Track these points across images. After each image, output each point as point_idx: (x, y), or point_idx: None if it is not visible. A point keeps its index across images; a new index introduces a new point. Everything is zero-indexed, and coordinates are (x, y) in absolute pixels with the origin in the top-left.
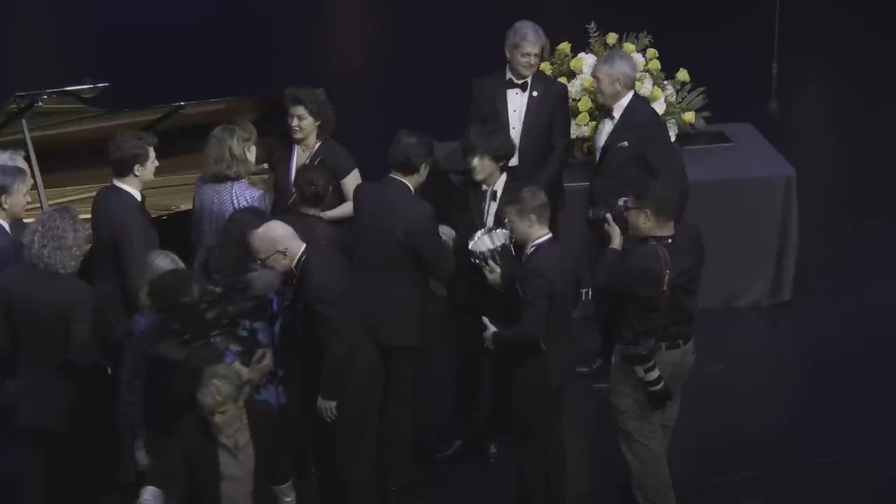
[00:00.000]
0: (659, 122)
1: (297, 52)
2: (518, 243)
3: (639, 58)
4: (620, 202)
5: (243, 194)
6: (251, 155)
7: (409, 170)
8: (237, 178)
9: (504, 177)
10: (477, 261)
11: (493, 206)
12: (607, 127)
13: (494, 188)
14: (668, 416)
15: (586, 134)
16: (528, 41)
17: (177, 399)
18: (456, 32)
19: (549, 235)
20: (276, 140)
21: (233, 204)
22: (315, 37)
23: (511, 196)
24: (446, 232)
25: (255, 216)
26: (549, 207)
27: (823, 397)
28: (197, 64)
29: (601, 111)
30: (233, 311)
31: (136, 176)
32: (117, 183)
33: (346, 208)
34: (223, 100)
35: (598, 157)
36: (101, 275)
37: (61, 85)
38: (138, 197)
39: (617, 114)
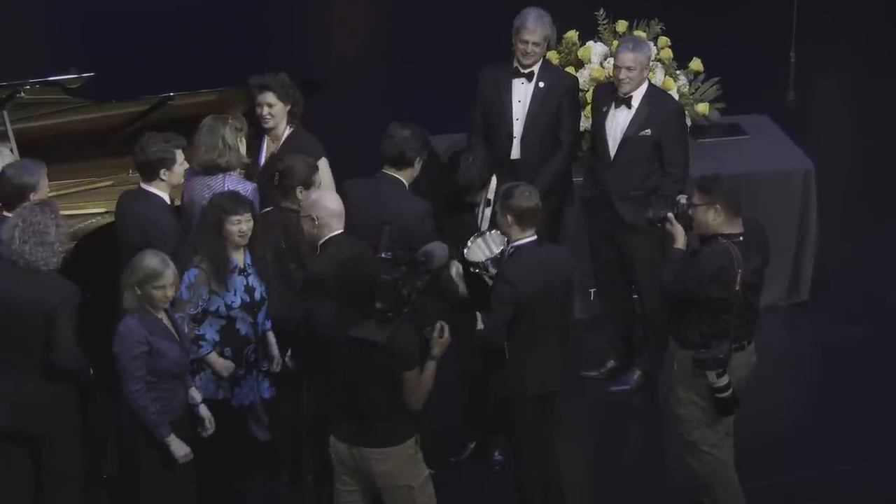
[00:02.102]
0: (682, 111)
1: (292, 40)
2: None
3: (650, 46)
4: (683, 200)
5: (236, 187)
6: (243, 147)
7: (404, 164)
8: (229, 169)
9: (494, 181)
10: (476, 270)
11: (488, 211)
12: (622, 116)
13: (489, 196)
14: (728, 421)
15: None
16: (526, 28)
17: (377, 381)
18: (459, 21)
19: (532, 239)
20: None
21: None
22: (311, 25)
23: (506, 190)
24: (456, 266)
25: (233, 201)
26: (539, 212)
27: (843, 401)
28: (187, 53)
29: (613, 100)
30: (420, 286)
31: (163, 180)
32: (145, 186)
33: None
34: (214, 91)
35: (611, 149)
36: None
37: (44, 75)
38: (168, 200)
39: (636, 102)
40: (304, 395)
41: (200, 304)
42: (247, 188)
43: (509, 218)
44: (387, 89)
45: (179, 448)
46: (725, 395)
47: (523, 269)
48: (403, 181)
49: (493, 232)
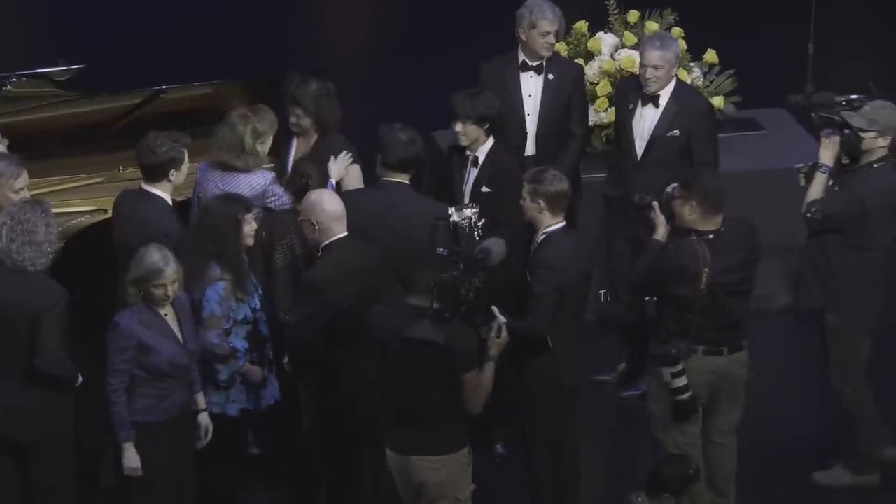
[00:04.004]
0: (712, 108)
1: (290, 33)
2: (527, 224)
3: (677, 43)
4: (669, 188)
5: (254, 180)
6: (264, 147)
7: (409, 168)
8: (245, 171)
9: (489, 142)
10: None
11: (474, 173)
12: (649, 114)
13: (477, 154)
14: (718, 425)
15: (605, 121)
16: (546, 20)
17: (435, 384)
18: (459, 12)
19: (562, 224)
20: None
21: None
22: (309, 16)
23: (533, 174)
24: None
25: (239, 203)
26: (568, 198)
27: None
28: (181, 45)
29: (639, 97)
30: (478, 284)
31: (171, 181)
32: (147, 187)
33: None
34: (209, 84)
35: (638, 148)
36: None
37: (32, 67)
38: (170, 201)
39: (664, 100)
40: (301, 396)
41: (232, 315)
42: (266, 177)
43: (541, 203)
44: (386, 83)
45: (131, 459)
46: (683, 397)
47: (562, 255)
48: (408, 184)
49: (466, 209)
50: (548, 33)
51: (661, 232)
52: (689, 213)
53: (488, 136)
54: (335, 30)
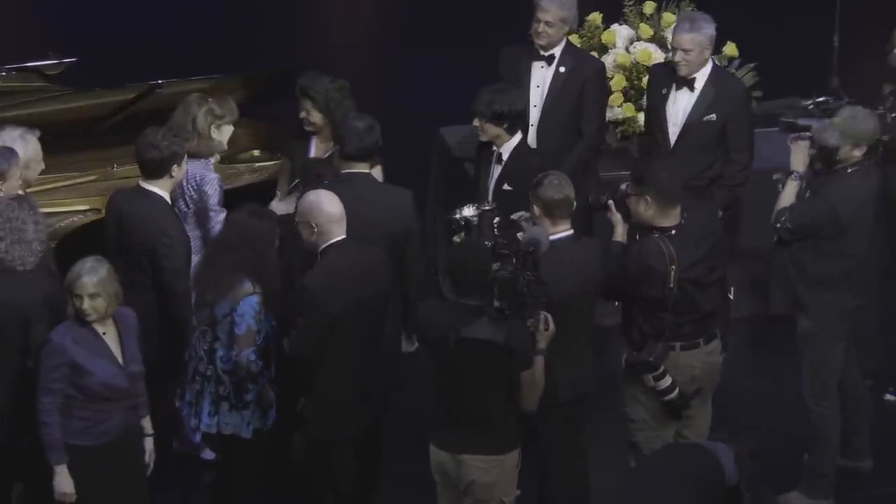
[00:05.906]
0: (749, 93)
1: (290, 27)
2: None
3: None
4: (623, 186)
5: (197, 173)
6: (221, 134)
7: (368, 157)
8: (198, 156)
9: (516, 139)
10: (453, 227)
11: (498, 169)
12: (684, 99)
13: (501, 151)
14: (693, 430)
15: (619, 117)
16: (539, 6)
17: (492, 383)
18: (461, 9)
19: (567, 234)
20: (289, 130)
21: (184, 181)
22: (310, 10)
23: (537, 178)
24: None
25: (270, 219)
26: (570, 205)
27: (887, 419)
28: (177, 38)
29: (673, 81)
30: (531, 277)
31: (172, 177)
32: (146, 185)
33: None
34: (206, 78)
35: (671, 135)
36: (129, 285)
37: (22, 60)
38: (169, 199)
39: (700, 84)
40: (306, 407)
41: (262, 331)
42: (207, 176)
43: (537, 209)
44: (391, 78)
45: (63, 483)
46: (671, 396)
47: (556, 267)
48: (370, 173)
49: (483, 207)
50: (538, 20)
51: (620, 231)
52: (645, 209)
53: (512, 134)
54: (336, 26)
